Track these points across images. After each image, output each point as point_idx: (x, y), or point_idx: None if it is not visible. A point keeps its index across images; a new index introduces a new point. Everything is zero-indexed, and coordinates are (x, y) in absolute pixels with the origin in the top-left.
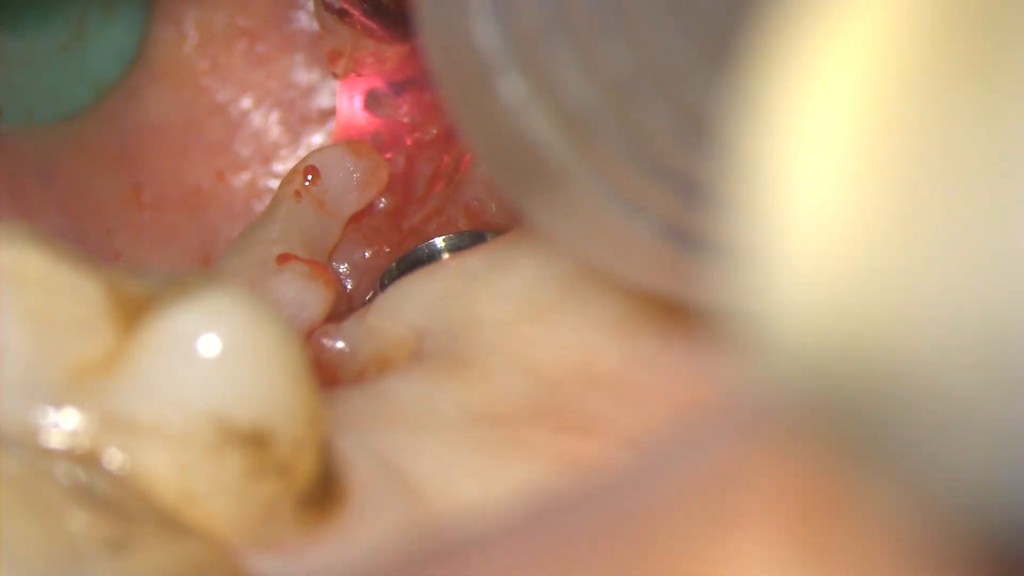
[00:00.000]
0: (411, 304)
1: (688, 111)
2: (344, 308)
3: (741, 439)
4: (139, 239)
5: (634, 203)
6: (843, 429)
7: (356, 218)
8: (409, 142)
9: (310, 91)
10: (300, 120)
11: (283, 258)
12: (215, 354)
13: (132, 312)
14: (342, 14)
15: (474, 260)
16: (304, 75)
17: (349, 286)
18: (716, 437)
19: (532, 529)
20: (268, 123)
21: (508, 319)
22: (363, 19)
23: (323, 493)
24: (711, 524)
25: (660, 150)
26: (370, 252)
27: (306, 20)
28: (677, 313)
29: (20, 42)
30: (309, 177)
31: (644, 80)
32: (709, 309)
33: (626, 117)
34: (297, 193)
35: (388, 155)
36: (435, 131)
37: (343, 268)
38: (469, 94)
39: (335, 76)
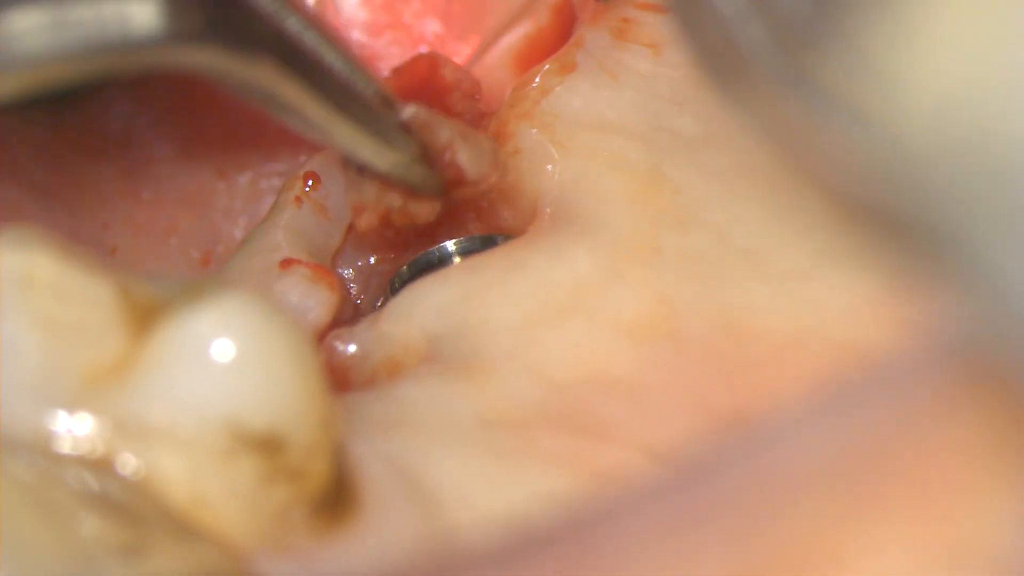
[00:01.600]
0: (423, 308)
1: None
2: (349, 313)
3: (884, 413)
4: (136, 234)
5: (841, 104)
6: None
7: None
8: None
9: None
10: None
11: (286, 263)
12: (229, 359)
13: (144, 317)
14: (363, 169)
15: (486, 264)
16: None
17: (354, 291)
18: (858, 406)
19: (662, 498)
20: (271, 121)
21: (520, 323)
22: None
23: (336, 498)
24: (852, 508)
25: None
26: (375, 257)
27: None
28: (691, 317)
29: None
30: (309, 182)
31: None
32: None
33: (838, 25)
34: (298, 199)
35: None
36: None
37: (348, 273)
38: (688, 5)
39: (358, 229)
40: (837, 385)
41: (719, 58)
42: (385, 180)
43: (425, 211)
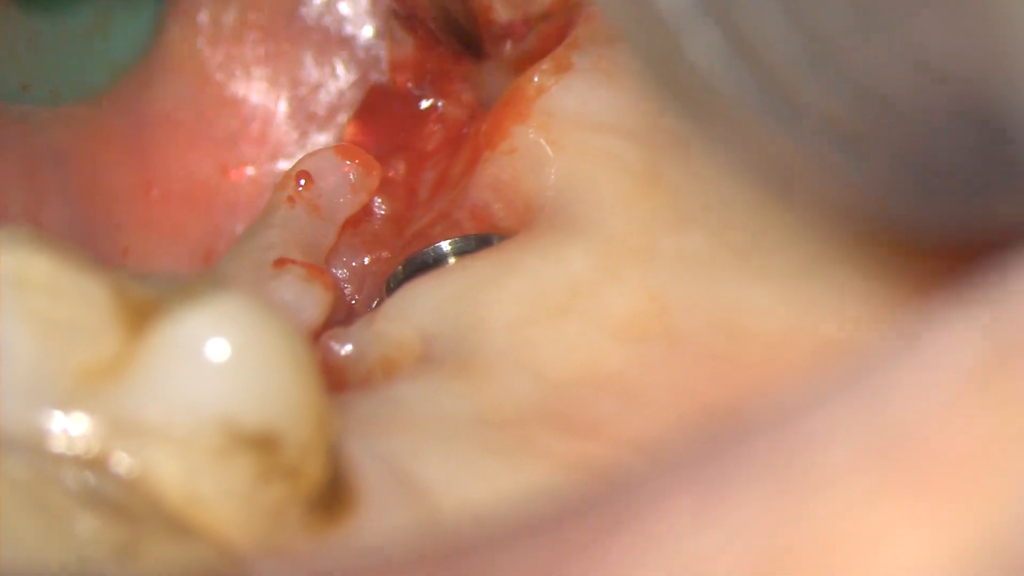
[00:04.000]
0: (418, 308)
1: (918, 50)
2: (343, 313)
3: (913, 393)
4: (147, 234)
5: (839, 152)
6: None
7: (355, 223)
8: (410, 148)
9: (318, 88)
10: (308, 117)
11: (280, 262)
12: (224, 358)
13: (138, 315)
14: (410, 21)
15: (480, 263)
16: (313, 72)
17: (348, 291)
18: (886, 385)
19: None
20: (276, 119)
21: (515, 322)
22: (432, 29)
23: (332, 497)
24: (875, 493)
25: (884, 94)
26: (370, 258)
27: (315, 17)
28: (685, 315)
29: (51, 25)
30: (302, 182)
31: (865, 26)
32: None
33: (839, 68)
34: (291, 198)
35: (388, 161)
36: (439, 136)
37: (342, 273)
38: (657, 54)
39: (394, 84)
40: (863, 364)
41: (697, 104)
42: (425, 36)
43: (460, 72)
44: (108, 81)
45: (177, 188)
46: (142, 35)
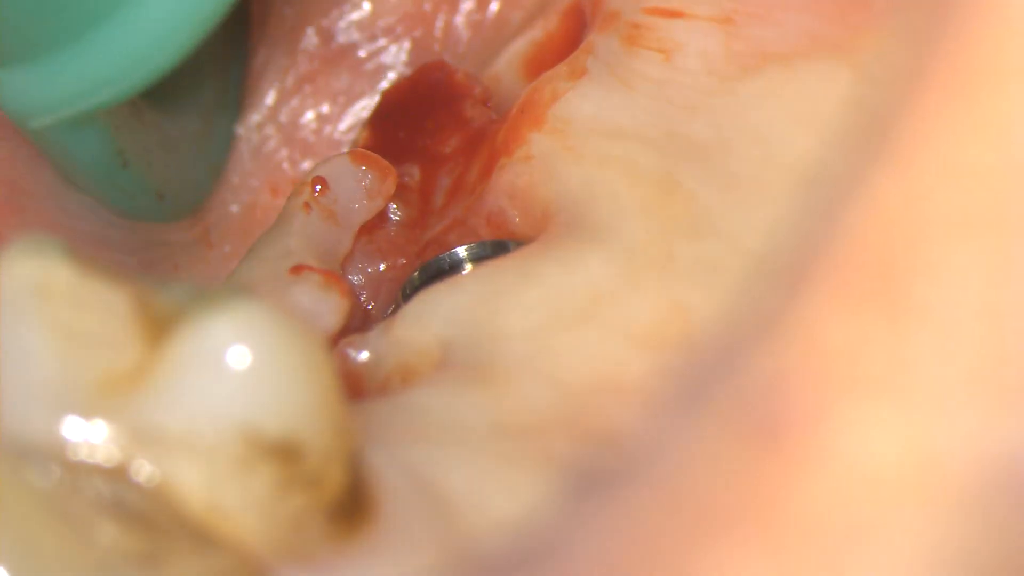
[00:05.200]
0: (436, 314)
1: None
2: (359, 320)
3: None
4: (205, 271)
5: None
6: None
7: (370, 230)
8: (425, 154)
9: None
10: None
11: (297, 269)
12: (245, 366)
13: (159, 324)
14: None
15: (498, 270)
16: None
17: (364, 297)
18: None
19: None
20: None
21: (535, 330)
22: None
23: (353, 505)
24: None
25: None
26: (385, 264)
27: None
28: (704, 323)
29: (172, 125)
30: (318, 188)
31: None
32: None
33: None
34: (307, 205)
35: (403, 167)
36: (454, 143)
37: (357, 280)
38: None
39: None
40: None
41: None
42: None
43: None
44: (211, 187)
45: (234, 223)
46: (229, 134)
